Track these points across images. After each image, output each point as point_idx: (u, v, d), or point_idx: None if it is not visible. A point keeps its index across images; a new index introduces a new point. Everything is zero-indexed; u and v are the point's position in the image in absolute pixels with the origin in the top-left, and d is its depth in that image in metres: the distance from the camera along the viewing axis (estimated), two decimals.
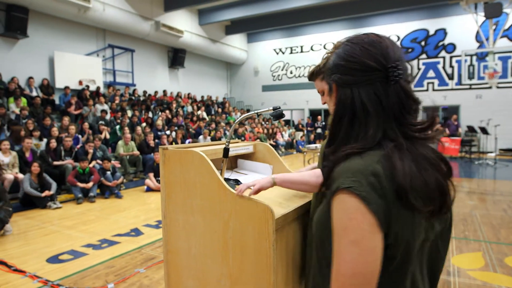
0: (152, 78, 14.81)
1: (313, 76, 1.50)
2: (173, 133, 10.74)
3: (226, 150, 1.57)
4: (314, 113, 17.64)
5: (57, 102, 10.66)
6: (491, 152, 12.94)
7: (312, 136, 16.22)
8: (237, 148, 1.90)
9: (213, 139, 11.32)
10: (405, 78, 0.73)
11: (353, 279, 0.64)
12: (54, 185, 6.15)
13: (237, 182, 1.75)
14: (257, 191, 1.25)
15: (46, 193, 5.91)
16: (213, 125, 12.92)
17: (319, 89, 1.50)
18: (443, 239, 0.79)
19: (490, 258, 3.59)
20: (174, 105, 13.80)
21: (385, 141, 0.71)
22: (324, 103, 1.53)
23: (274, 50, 18.85)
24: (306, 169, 1.66)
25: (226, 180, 1.58)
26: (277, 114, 1.54)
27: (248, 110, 18.37)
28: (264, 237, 1.23)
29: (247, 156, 2.06)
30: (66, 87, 10.76)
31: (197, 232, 1.46)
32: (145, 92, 13.91)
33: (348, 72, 0.75)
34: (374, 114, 0.72)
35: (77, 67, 11.42)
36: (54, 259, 3.68)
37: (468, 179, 8.60)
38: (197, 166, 1.45)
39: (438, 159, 0.73)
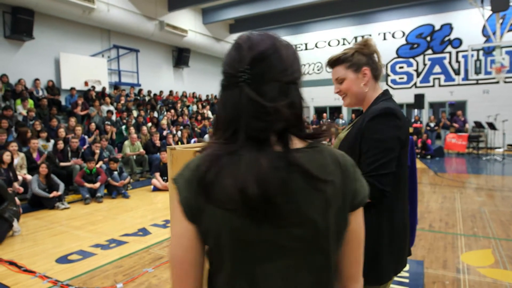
0: (157, 78, 14.85)
1: (337, 61, 1.46)
2: (179, 133, 10.77)
3: None
4: (319, 111, 17.55)
5: (63, 103, 10.74)
6: (499, 148, 12.80)
7: None
8: None
9: None
10: (262, 81, 0.72)
11: (172, 259, 0.75)
12: (61, 185, 6.20)
13: None
14: None
15: (54, 193, 5.96)
16: None
17: (338, 77, 1.46)
18: (315, 247, 0.73)
19: (500, 255, 3.56)
20: (179, 105, 13.82)
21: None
22: (336, 92, 1.52)
23: None
24: None
25: None
26: None
27: None
28: None
29: None
30: (72, 88, 10.84)
31: None
32: (150, 92, 13.95)
33: (222, 76, 0.79)
34: (226, 118, 0.74)
35: (83, 68, 11.48)
36: (63, 259, 3.71)
37: (476, 175, 8.53)
38: None
39: (285, 165, 0.69)
